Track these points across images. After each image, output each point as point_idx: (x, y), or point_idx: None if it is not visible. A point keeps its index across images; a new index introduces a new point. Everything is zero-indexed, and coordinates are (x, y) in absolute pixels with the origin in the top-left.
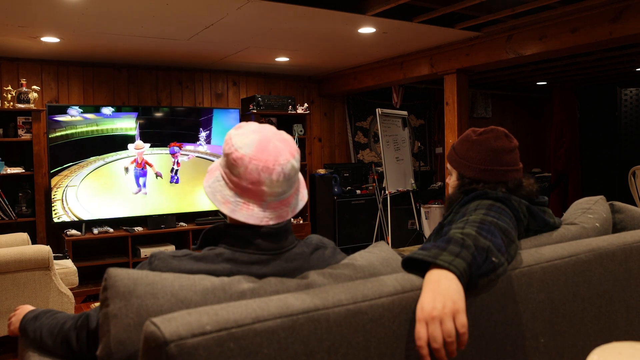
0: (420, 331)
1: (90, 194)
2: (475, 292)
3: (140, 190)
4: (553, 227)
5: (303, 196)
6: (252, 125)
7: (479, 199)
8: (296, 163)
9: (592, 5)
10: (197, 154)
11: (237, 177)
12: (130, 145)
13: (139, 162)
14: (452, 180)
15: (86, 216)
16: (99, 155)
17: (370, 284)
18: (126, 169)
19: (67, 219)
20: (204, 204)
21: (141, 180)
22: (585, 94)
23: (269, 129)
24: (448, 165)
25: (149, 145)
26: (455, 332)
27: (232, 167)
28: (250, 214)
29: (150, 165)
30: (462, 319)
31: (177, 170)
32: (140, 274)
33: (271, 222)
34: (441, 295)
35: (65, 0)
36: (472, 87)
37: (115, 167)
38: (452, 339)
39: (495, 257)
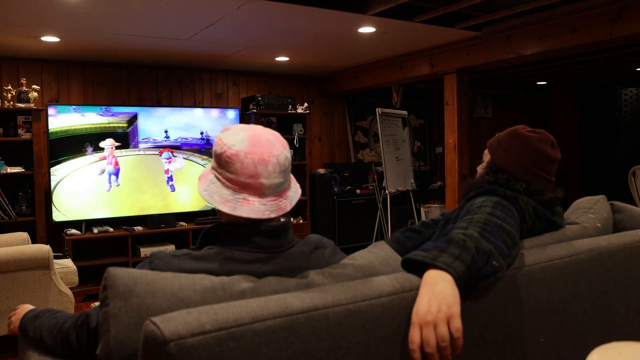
0: (414, 334)
1: (74, 195)
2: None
3: (111, 188)
4: (558, 227)
5: (297, 189)
6: (240, 125)
7: (486, 195)
8: (289, 154)
9: (592, 5)
10: (191, 157)
11: (234, 174)
12: (103, 143)
13: (111, 159)
14: (481, 165)
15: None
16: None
17: (370, 283)
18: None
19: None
20: (202, 204)
21: (113, 177)
22: (585, 94)
23: (256, 126)
24: (485, 152)
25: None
26: (450, 337)
27: (227, 165)
28: (251, 208)
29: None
30: (457, 324)
31: (171, 176)
32: (140, 273)
33: (272, 215)
34: (436, 299)
35: (65, 0)
36: (472, 86)
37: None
38: (446, 344)
39: (496, 260)
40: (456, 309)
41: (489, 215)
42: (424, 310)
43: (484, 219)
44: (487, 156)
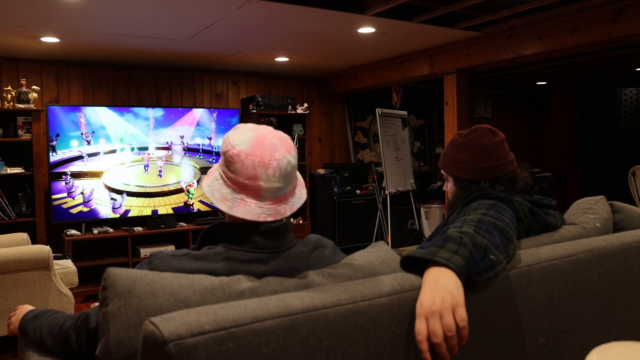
0: (420, 326)
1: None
2: (475, 291)
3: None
4: (554, 228)
5: (302, 195)
6: (249, 125)
7: (481, 198)
8: (293, 159)
9: (592, 5)
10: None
11: (234, 173)
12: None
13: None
14: (449, 187)
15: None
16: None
17: (369, 283)
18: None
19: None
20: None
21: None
22: (585, 94)
23: (265, 128)
24: (443, 173)
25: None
26: (456, 327)
27: (229, 164)
28: (247, 210)
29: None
30: (462, 313)
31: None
32: (140, 274)
33: (269, 219)
34: (440, 291)
35: (65, 0)
36: (472, 87)
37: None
38: (453, 333)
39: (493, 254)
40: (460, 299)
41: (482, 215)
42: (429, 302)
43: (477, 218)
44: (449, 178)
